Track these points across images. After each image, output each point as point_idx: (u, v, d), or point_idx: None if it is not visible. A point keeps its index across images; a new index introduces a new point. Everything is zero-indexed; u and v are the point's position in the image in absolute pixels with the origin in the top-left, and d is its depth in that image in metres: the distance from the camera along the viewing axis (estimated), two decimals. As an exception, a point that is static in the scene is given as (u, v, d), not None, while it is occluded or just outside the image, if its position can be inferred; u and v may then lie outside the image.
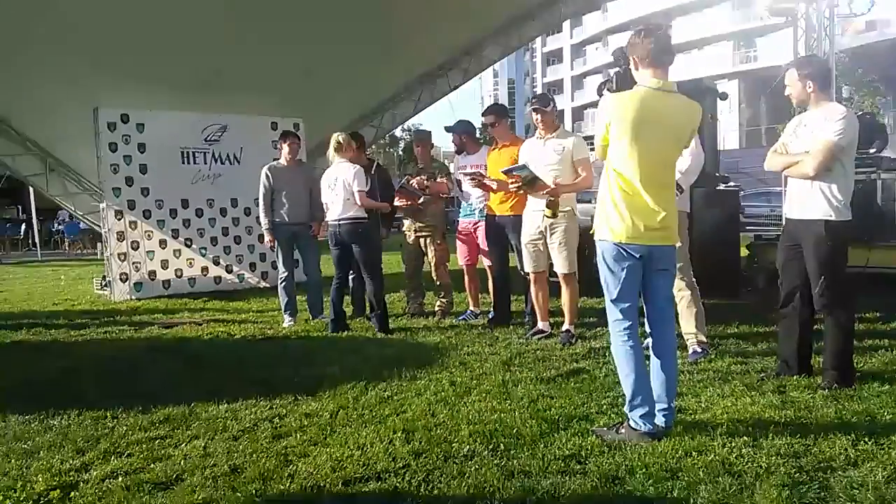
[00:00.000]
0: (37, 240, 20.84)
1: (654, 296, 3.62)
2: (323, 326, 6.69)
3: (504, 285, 6.61)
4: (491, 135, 6.68)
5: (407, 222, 7.20)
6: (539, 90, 60.59)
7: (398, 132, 41.66)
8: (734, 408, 3.88)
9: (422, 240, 7.12)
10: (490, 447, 3.41)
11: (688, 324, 5.10)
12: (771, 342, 5.25)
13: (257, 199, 9.56)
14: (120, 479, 3.19)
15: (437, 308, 7.20)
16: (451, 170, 7.43)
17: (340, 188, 6.32)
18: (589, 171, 5.55)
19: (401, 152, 40.09)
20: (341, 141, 6.42)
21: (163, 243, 9.45)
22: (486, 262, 6.87)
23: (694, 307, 5.09)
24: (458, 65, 12.27)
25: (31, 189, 18.19)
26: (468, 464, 3.23)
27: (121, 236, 9.12)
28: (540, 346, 5.61)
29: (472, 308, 7.05)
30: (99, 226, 10.48)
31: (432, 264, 7.15)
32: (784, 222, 4.56)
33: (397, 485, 3.05)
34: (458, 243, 7.03)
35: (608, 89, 3.67)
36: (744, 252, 8.72)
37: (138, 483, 3.14)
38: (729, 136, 37.88)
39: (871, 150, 7.97)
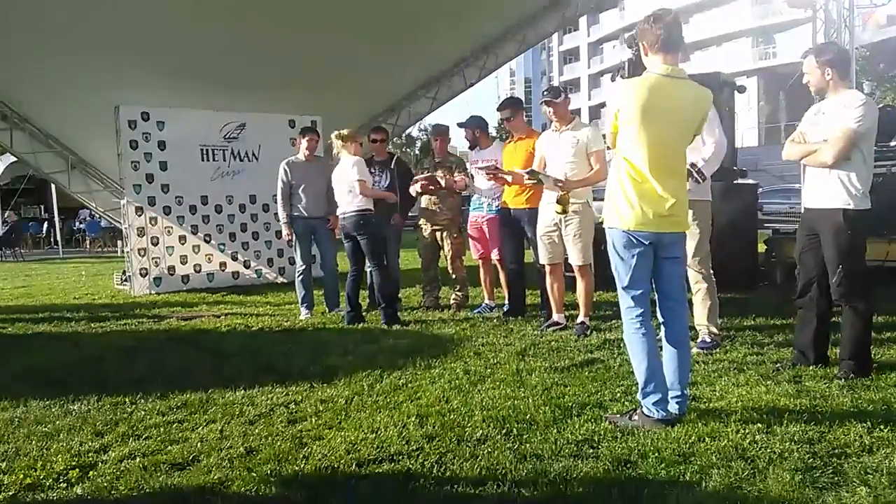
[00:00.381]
0: (58, 238, 21.11)
1: (666, 284, 3.60)
2: (339, 319, 6.74)
3: (518, 278, 6.62)
4: (507, 128, 6.69)
5: (424, 216, 7.22)
6: (556, 89, 60.26)
7: (415, 132, 41.75)
8: (748, 396, 3.87)
9: (438, 233, 7.15)
10: (503, 432, 3.44)
11: (701, 315, 5.08)
12: (787, 333, 5.23)
13: (275, 195, 9.80)
14: (137, 459, 3.25)
15: (452, 301, 7.22)
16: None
17: (345, 182, 6.42)
18: (602, 164, 5.49)
19: (417, 152, 40.15)
20: (345, 135, 6.50)
21: (182, 239, 9.55)
22: (494, 256, 6.88)
23: (709, 300, 5.07)
24: (474, 62, 12.25)
25: (53, 188, 18.48)
26: (481, 447, 3.25)
27: (141, 232, 9.23)
28: (554, 337, 5.61)
29: (487, 301, 7.06)
30: (119, 222, 10.61)
31: (448, 258, 7.17)
32: (802, 211, 4.51)
33: (410, 466, 3.08)
34: (471, 237, 7.06)
35: (621, 76, 3.67)
36: (761, 248, 8.66)
37: (155, 463, 3.19)
38: (748, 134, 37.60)
39: (892, 144, 7.90)
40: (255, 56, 9.42)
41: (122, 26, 8.38)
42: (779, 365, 4.47)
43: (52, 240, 22.92)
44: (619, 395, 3.98)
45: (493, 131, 7.63)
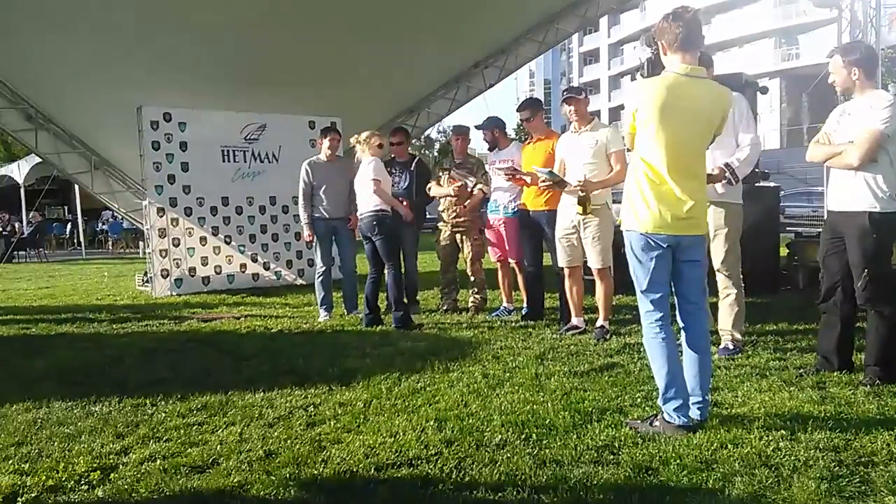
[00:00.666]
0: (81, 239, 21.36)
1: (686, 287, 3.56)
2: (357, 321, 6.74)
3: (537, 281, 6.59)
4: (526, 129, 6.67)
5: (444, 217, 7.21)
6: (576, 91, 60.07)
7: (434, 134, 41.78)
8: (772, 402, 3.82)
9: (458, 235, 7.14)
10: (522, 437, 3.41)
11: (725, 321, 5.02)
12: (810, 339, 5.16)
13: (296, 196, 9.82)
14: (158, 462, 3.26)
15: (470, 304, 7.20)
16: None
17: (365, 183, 6.43)
18: (623, 164, 5.41)
19: (436, 153, 40.18)
20: (362, 138, 6.52)
21: (203, 240, 9.61)
22: (512, 259, 6.86)
23: (736, 306, 4.99)
24: (493, 63, 12.24)
25: (76, 190, 18.68)
26: (500, 452, 3.23)
27: (162, 233, 9.30)
28: (573, 341, 5.58)
29: (505, 304, 7.04)
30: (141, 223, 10.70)
31: (469, 259, 7.16)
32: (826, 214, 4.44)
33: (429, 471, 3.07)
34: (489, 239, 7.04)
35: (640, 75, 3.62)
36: (783, 251, 8.57)
37: (175, 466, 3.20)
38: (770, 136, 37.24)
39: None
40: (276, 57, 9.48)
41: (145, 28, 8.46)
42: (802, 370, 4.41)
43: (75, 241, 23.18)
44: (639, 400, 3.95)
45: (511, 132, 7.61)
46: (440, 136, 43.29)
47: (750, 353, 4.95)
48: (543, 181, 5.59)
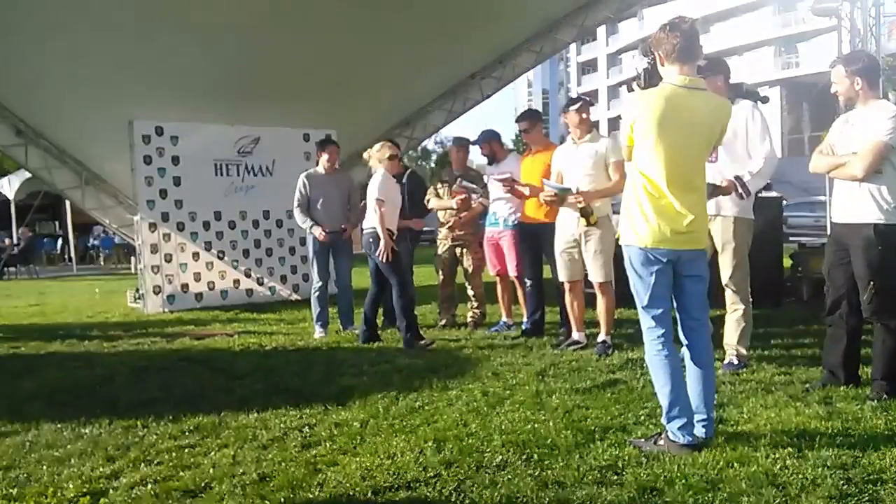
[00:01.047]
0: (72, 255, 21.22)
1: (687, 303, 3.48)
2: (353, 338, 6.66)
3: (537, 295, 6.51)
4: (525, 141, 6.62)
5: (443, 231, 7.14)
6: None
7: (430, 144, 41.85)
8: (778, 419, 3.74)
9: (457, 248, 7.07)
10: (523, 457, 3.33)
11: (731, 335, 4.94)
12: (816, 352, 5.10)
13: (290, 210, 9.73)
14: (149, 486, 3.18)
15: (469, 319, 7.12)
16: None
17: (369, 199, 6.34)
18: (621, 175, 5.30)
19: (433, 164, 40.22)
20: (373, 153, 6.48)
21: (196, 255, 9.52)
22: (511, 273, 6.79)
23: (743, 322, 4.90)
24: (490, 73, 12.20)
25: (67, 205, 18.58)
26: (500, 474, 3.15)
27: (154, 248, 9.21)
28: (575, 356, 5.50)
29: (504, 319, 6.95)
30: (133, 238, 10.61)
31: (469, 273, 7.08)
32: (830, 227, 4.38)
33: (428, 494, 2.99)
34: (488, 253, 6.97)
35: (637, 85, 3.55)
36: (787, 262, 8.51)
37: (167, 490, 3.12)
38: (769, 145, 37.26)
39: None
40: (270, 70, 9.43)
41: (137, 41, 8.41)
42: (808, 385, 4.33)
43: (66, 256, 23.05)
44: (643, 417, 3.86)
45: (509, 143, 7.58)
46: (437, 146, 43.34)
47: (755, 367, 4.87)
48: (547, 195, 5.49)
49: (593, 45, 62.84)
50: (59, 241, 24.33)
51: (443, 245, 7.12)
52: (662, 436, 3.39)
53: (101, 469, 3.42)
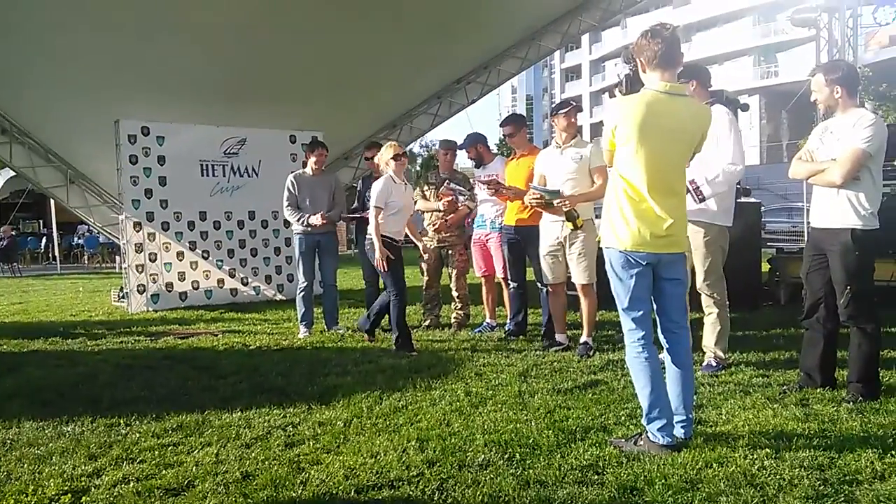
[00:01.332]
0: (56, 253, 21.05)
1: (667, 306, 3.53)
2: (337, 337, 6.67)
3: (521, 297, 6.55)
4: (509, 145, 6.66)
5: (430, 231, 7.16)
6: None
7: (416, 148, 41.83)
8: (756, 420, 3.79)
9: (443, 250, 7.10)
10: (505, 457, 3.36)
11: (709, 338, 5.03)
12: (793, 355, 5.16)
13: (275, 211, 9.75)
14: (131, 484, 3.17)
15: (453, 320, 7.15)
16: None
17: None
18: (604, 180, 5.37)
19: (418, 168, 40.21)
20: (380, 156, 6.32)
21: (180, 255, 9.49)
22: (499, 274, 6.83)
23: (719, 324, 4.99)
24: (475, 79, 12.28)
25: (52, 203, 18.44)
26: (483, 473, 3.17)
27: (139, 248, 9.17)
28: (557, 357, 5.54)
29: (488, 320, 6.99)
30: (117, 237, 10.56)
31: (454, 275, 7.11)
32: (809, 231, 4.45)
33: (411, 493, 3.00)
34: (474, 254, 7.00)
35: (619, 91, 3.59)
36: (765, 267, 8.60)
37: (149, 489, 3.11)
38: (749, 152, 37.59)
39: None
40: (257, 72, 9.45)
41: (123, 41, 8.38)
42: (785, 387, 4.39)
43: (50, 255, 22.85)
44: (623, 418, 3.91)
45: (493, 147, 7.60)
46: (422, 150, 43.35)
47: (733, 369, 4.94)
48: (533, 197, 5.52)
49: (577, 53, 63.10)
50: (44, 240, 24.11)
51: (428, 245, 7.13)
52: (642, 436, 3.43)
53: (83, 467, 3.41)
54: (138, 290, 9.15)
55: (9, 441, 3.83)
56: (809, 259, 4.36)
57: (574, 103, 5.87)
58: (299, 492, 3.05)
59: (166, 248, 9.37)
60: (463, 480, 3.10)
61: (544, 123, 68.41)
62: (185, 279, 9.53)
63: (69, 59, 8.62)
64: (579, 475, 3.11)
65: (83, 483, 3.22)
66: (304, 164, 7.34)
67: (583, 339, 5.70)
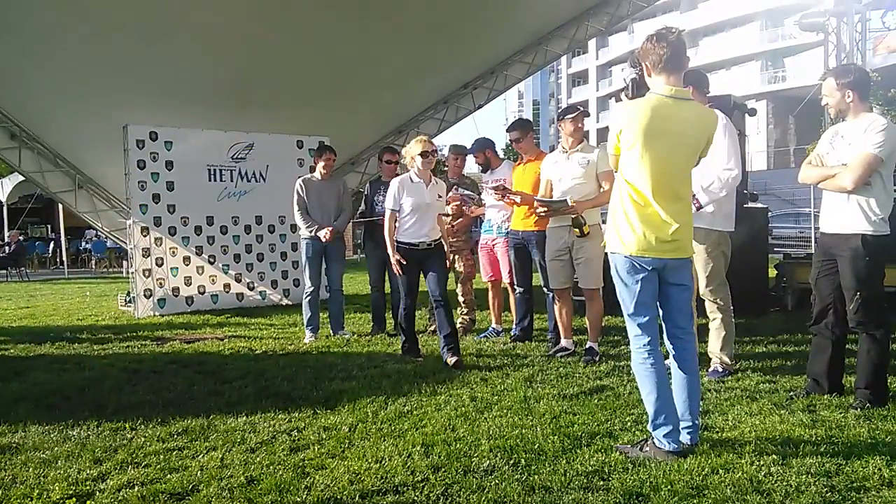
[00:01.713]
0: (64, 258, 21.12)
1: (673, 311, 3.52)
2: (342, 342, 6.67)
3: (527, 302, 6.54)
4: (516, 150, 6.66)
5: None
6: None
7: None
8: (762, 426, 3.77)
9: (450, 254, 7.09)
10: (510, 462, 3.35)
11: (714, 344, 5.01)
12: (800, 361, 5.14)
13: (282, 216, 9.77)
14: (136, 488, 3.18)
15: (458, 325, 7.11)
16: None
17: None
18: (611, 185, 5.39)
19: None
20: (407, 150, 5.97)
21: (187, 260, 9.51)
22: (505, 280, 6.82)
23: (724, 330, 4.98)
24: (482, 84, 12.29)
25: (59, 208, 18.51)
26: (488, 478, 3.16)
27: (146, 252, 9.19)
28: (562, 363, 5.53)
29: (494, 325, 6.98)
30: (125, 242, 10.59)
31: (460, 280, 7.11)
32: (818, 236, 4.42)
33: (415, 498, 3.00)
34: (481, 259, 7.00)
35: (625, 96, 3.59)
36: (772, 272, 8.57)
37: (154, 493, 3.11)
38: (757, 158, 37.55)
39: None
40: (264, 77, 9.48)
41: (132, 47, 8.42)
42: (792, 393, 4.37)
43: (57, 260, 22.94)
44: (629, 423, 3.89)
45: (500, 152, 7.59)
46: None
47: (739, 375, 4.91)
48: (541, 208, 5.49)
49: (584, 58, 63.15)
50: (52, 245, 24.21)
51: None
52: (648, 442, 3.42)
53: (88, 471, 3.41)
54: (145, 295, 9.17)
55: (14, 445, 3.83)
56: (819, 264, 4.33)
57: (581, 108, 5.86)
58: (304, 497, 3.04)
59: (173, 252, 9.39)
60: (468, 486, 3.09)
61: (551, 128, 68.41)
62: (191, 284, 9.55)
63: (78, 63, 8.66)
64: (585, 481, 3.10)
65: (88, 487, 3.22)
66: (312, 169, 7.35)
67: (588, 344, 5.69)
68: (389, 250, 5.72)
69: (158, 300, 9.24)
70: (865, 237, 4.01)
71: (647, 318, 3.44)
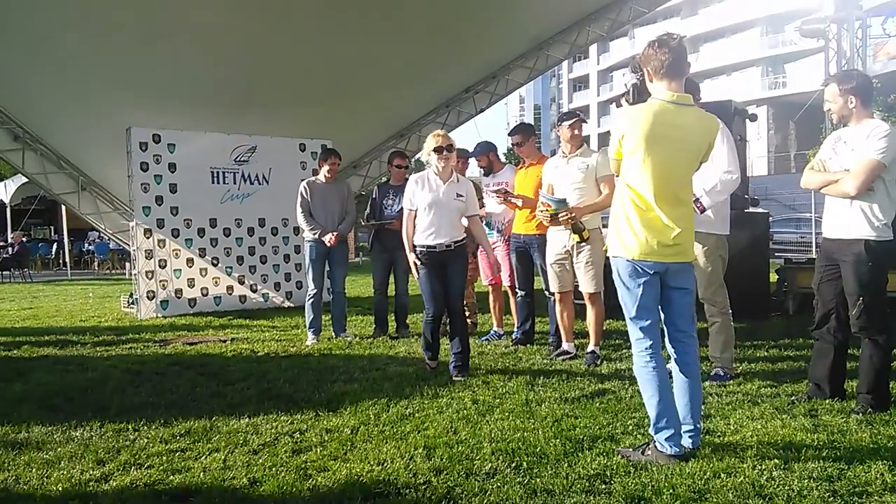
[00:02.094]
0: (67, 259, 21.15)
1: (675, 315, 3.53)
2: (345, 344, 6.68)
3: (528, 305, 6.55)
4: (518, 154, 6.67)
5: None
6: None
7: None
8: (764, 430, 3.78)
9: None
10: (512, 465, 3.35)
11: (715, 348, 5.02)
12: (801, 365, 5.15)
13: (285, 219, 9.78)
14: (139, 489, 3.19)
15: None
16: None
17: None
18: (611, 189, 5.37)
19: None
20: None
21: (190, 262, 9.53)
22: (505, 283, 6.83)
23: (723, 334, 4.99)
24: (484, 88, 12.31)
25: (63, 210, 18.54)
26: (490, 481, 3.17)
27: (149, 254, 9.22)
28: (564, 366, 5.53)
29: (495, 328, 6.99)
30: (128, 244, 10.61)
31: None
32: (821, 241, 4.43)
33: (417, 501, 3.01)
34: (481, 263, 7.01)
35: (626, 101, 3.61)
36: (773, 277, 8.58)
37: (157, 494, 3.13)
38: (758, 163, 37.57)
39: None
40: (267, 80, 9.50)
41: (135, 49, 8.45)
42: (794, 398, 4.37)
43: (60, 261, 22.96)
44: (631, 427, 3.90)
45: (501, 156, 7.62)
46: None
47: (741, 379, 4.92)
48: (542, 213, 5.50)
49: (585, 63, 63.13)
50: (55, 246, 24.24)
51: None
52: (650, 446, 3.42)
53: (91, 472, 3.42)
54: (148, 297, 9.19)
55: (17, 445, 3.84)
56: (821, 269, 4.34)
57: (579, 114, 5.89)
58: (306, 498, 3.05)
59: (176, 254, 9.42)
60: (470, 489, 3.09)
61: (552, 133, 68.36)
62: (194, 286, 9.57)
63: (81, 66, 8.69)
64: (587, 484, 3.10)
65: (91, 488, 3.23)
66: (316, 172, 7.37)
67: (590, 347, 5.69)
68: (407, 251, 5.40)
69: (161, 302, 9.26)
70: (868, 242, 4.02)
71: (648, 321, 3.45)
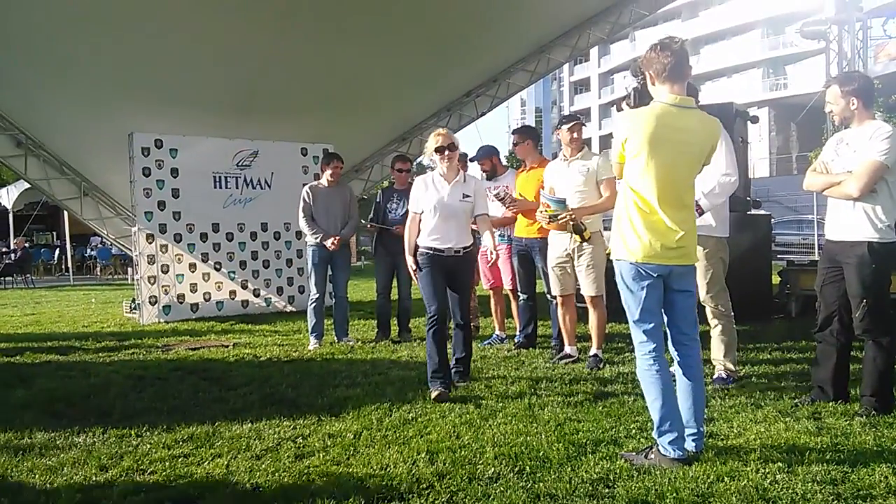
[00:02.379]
0: (69, 265, 21.17)
1: (678, 318, 3.53)
2: (347, 349, 6.68)
3: (530, 309, 6.55)
4: (519, 156, 6.67)
5: None
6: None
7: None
8: (767, 433, 3.77)
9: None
10: (515, 470, 3.35)
11: (717, 350, 5.01)
12: (804, 368, 5.14)
13: (287, 223, 9.79)
14: (142, 495, 3.18)
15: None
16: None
17: None
18: (612, 192, 5.38)
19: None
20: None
21: (192, 267, 9.54)
22: (507, 286, 6.82)
23: (725, 336, 4.98)
24: (485, 91, 12.31)
25: (65, 215, 18.56)
26: (493, 486, 3.16)
27: (151, 259, 9.22)
28: (567, 370, 5.53)
29: (497, 332, 6.99)
30: (130, 249, 10.62)
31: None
32: (824, 243, 4.43)
33: (420, 506, 3.00)
34: (482, 266, 6.99)
35: (627, 104, 3.61)
36: (775, 279, 8.57)
37: (160, 500, 3.12)
38: (759, 165, 37.56)
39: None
40: (269, 85, 9.49)
41: (137, 55, 8.46)
42: (797, 400, 4.37)
43: (63, 267, 22.99)
44: (634, 431, 3.89)
45: (503, 160, 7.63)
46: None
47: (744, 382, 4.92)
48: (543, 216, 5.51)
49: (586, 66, 63.21)
50: (57, 252, 24.27)
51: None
52: (653, 449, 3.42)
53: (94, 478, 3.41)
54: (150, 302, 9.20)
55: (20, 451, 3.83)
56: (824, 271, 4.33)
57: (578, 118, 5.91)
58: (309, 504, 3.05)
59: (178, 259, 9.43)
60: (473, 493, 3.09)
61: (553, 136, 68.45)
62: (196, 290, 9.57)
63: (83, 72, 8.70)
64: (590, 488, 3.10)
65: (94, 494, 3.22)
66: (318, 177, 7.37)
67: (592, 351, 5.69)
68: (407, 253, 5.17)
69: (163, 307, 9.26)
70: (871, 244, 4.01)
71: (652, 324, 3.45)
